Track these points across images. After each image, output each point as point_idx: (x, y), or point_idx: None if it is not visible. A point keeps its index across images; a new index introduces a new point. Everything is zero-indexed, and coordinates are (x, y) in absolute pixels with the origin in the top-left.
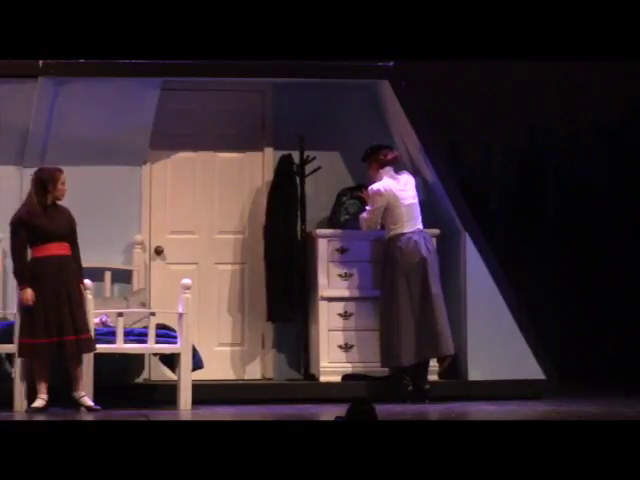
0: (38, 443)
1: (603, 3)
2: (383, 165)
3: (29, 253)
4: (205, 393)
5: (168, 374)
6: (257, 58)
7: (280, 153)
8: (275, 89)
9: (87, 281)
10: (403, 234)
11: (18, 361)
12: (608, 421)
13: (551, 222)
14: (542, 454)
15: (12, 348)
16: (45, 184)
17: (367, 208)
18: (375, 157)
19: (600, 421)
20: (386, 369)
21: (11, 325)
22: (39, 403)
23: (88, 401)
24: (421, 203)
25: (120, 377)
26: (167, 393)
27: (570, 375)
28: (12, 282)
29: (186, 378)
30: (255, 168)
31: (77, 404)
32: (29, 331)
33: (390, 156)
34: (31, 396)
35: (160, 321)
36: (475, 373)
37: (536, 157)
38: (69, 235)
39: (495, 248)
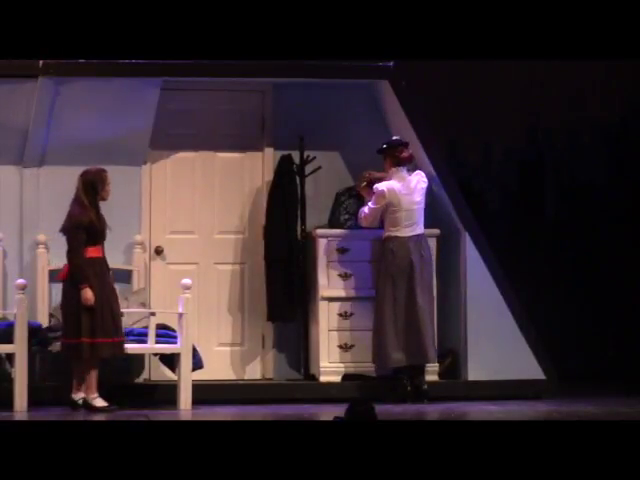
0: (38, 443)
1: (603, 3)
2: (397, 163)
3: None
4: (205, 393)
5: (168, 374)
6: (257, 58)
7: (280, 153)
8: (275, 89)
9: None
10: (397, 237)
11: (18, 361)
12: (608, 421)
13: (551, 222)
14: (542, 454)
15: (12, 348)
16: (94, 185)
17: (369, 205)
18: (391, 153)
19: (600, 421)
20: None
21: (11, 325)
22: (102, 402)
23: (101, 402)
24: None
25: (120, 377)
26: (167, 393)
27: (570, 375)
28: (12, 282)
29: (186, 378)
30: (255, 168)
31: (89, 407)
32: (89, 331)
33: (405, 154)
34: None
35: (160, 321)
36: (475, 373)
37: (536, 157)
38: (105, 236)
39: (495, 248)
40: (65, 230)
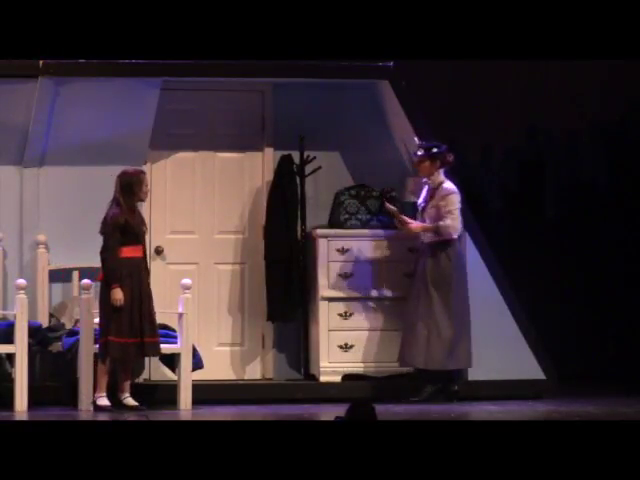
0: (38, 443)
1: (603, 3)
2: (445, 166)
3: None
4: (205, 393)
5: (168, 374)
6: (257, 58)
7: (280, 153)
8: (275, 89)
9: (87, 281)
10: (455, 240)
11: (18, 361)
12: (608, 421)
13: (551, 222)
14: (542, 454)
15: (12, 348)
16: (132, 186)
17: (450, 210)
18: (443, 156)
19: (600, 421)
20: (385, 369)
21: (11, 325)
22: (105, 402)
23: (132, 401)
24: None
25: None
26: (167, 393)
27: (570, 375)
28: (12, 282)
29: (186, 378)
30: (255, 168)
31: (121, 405)
32: (117, 331)
33: (451, 159)
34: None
35: (160, 321)
36: (475, 373)
37: (536, 157)
38: (144, 237)
39: (495, 248)
40: (102, 231)
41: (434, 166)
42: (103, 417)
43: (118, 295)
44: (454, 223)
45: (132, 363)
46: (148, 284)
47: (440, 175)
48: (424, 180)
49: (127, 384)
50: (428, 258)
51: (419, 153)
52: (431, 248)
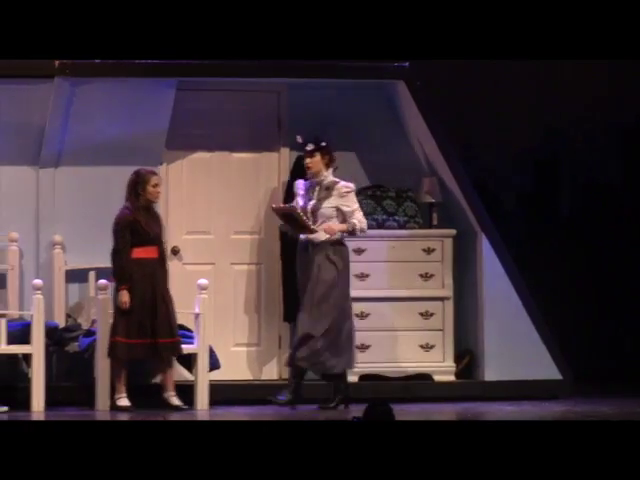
0: (55, 443)
1: (620, 3)
2: (332, 164)
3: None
4: (222, 393)
5: (185, 374)
6: (273, 58)
7: (296, 154)
8: (291, 89)
9: (103, 281)
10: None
11: (35, 361)
12: (624, 421)
13: (567, 222)
14: (558, 454)
15: (29, 348)
16: (136, 186)
17: (356, 208)
18: (330, 152)
19: (616, 421)
20: (402, 369)
21: (27, 325)
22: (125, 402)
23: (176, 401)
24: (438, 204)
25: (137, 377)
26: (184, 393)
27: (586, 375)
28: (28, 283)
29: (203, 378)
30: (271, 168)
31: (166, 404)
32: (124, 331)
33: (335, 159)
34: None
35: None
36: (491, 373)
37: (552, 157)
38: (159, 238)
39: (511, 248)
40: (112, 231)
41: (324, 161)
42: (121, 417)
43: (123, 297)
44: (364, 220)
45: (128, 363)
46: (164, 285)
47: (330, 174)
48: (310, 180)
49: (172, 383)
50: (321, 257)
51: (308, 148)
52: (323, 248)
